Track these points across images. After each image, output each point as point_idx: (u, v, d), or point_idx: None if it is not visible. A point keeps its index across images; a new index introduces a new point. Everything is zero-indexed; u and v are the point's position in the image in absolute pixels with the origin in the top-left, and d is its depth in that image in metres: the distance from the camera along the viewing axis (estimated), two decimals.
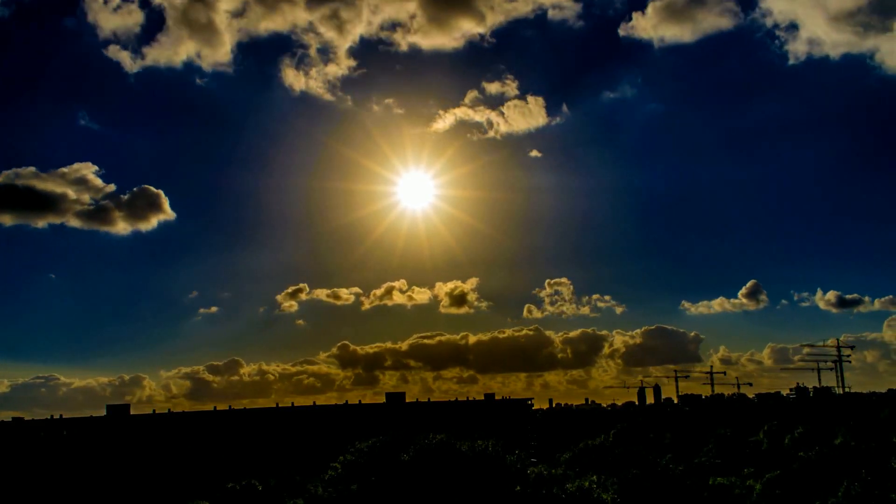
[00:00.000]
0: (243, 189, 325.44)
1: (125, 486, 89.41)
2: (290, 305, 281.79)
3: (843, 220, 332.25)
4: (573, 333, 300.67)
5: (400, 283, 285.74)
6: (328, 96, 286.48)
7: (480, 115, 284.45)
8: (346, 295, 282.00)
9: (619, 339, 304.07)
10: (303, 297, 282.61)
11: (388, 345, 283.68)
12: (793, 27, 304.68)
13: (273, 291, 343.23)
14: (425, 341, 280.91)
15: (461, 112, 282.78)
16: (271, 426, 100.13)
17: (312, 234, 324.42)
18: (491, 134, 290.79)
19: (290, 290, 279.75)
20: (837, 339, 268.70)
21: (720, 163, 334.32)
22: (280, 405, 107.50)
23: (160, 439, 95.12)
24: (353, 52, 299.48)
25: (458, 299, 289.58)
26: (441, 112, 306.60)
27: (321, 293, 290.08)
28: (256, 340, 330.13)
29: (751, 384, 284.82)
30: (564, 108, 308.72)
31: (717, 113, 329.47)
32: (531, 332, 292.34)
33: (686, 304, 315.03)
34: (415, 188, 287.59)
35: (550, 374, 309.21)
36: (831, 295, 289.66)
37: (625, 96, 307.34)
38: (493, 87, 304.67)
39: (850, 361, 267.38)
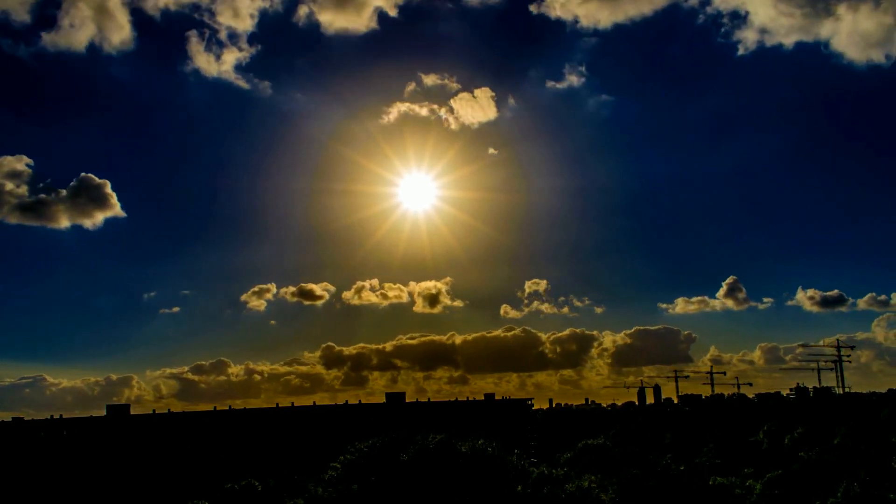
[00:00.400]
0: (191, 185, 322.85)
1: (125, 486, 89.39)
2: (259, 304, 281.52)
3: (817, 216, 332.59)
4: (562, 333, 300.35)
5: (372, 283, 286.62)
6: (244, 84, 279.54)
7: (426, 109, 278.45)
8: (320, 292, 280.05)
9: (608, 339, 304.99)
10: (269, 296, 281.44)
11: (372, 345, 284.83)
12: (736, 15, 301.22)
13: (238, 291, 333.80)
14: (409, 341, 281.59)
15: (406, 107, 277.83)
16: (271, 426, 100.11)
17: (260, 231, 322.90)
18: (447, 127, 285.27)
19: (255, 289, 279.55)
20: (837, 340, 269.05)
21: (680, 157, 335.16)
22: (280, 405, 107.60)
23: (160, 439, 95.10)
24: (255, 36, 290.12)
25: (432, 299, 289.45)
26: (385, 106, 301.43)
27: (286, 292, 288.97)
28: (233, 340, 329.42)
29: (751, 384, 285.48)
30: (511, 100, 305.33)
31: (669, 104, 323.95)
32: (519, 333, 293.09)
33: (664, 304, 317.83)
34: (413, 185, 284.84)
35: (541, 375, 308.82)
36: (814, 293, 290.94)
37: (572, 86, 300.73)
38: (430, 80, 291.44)
39: (850, 361, 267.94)
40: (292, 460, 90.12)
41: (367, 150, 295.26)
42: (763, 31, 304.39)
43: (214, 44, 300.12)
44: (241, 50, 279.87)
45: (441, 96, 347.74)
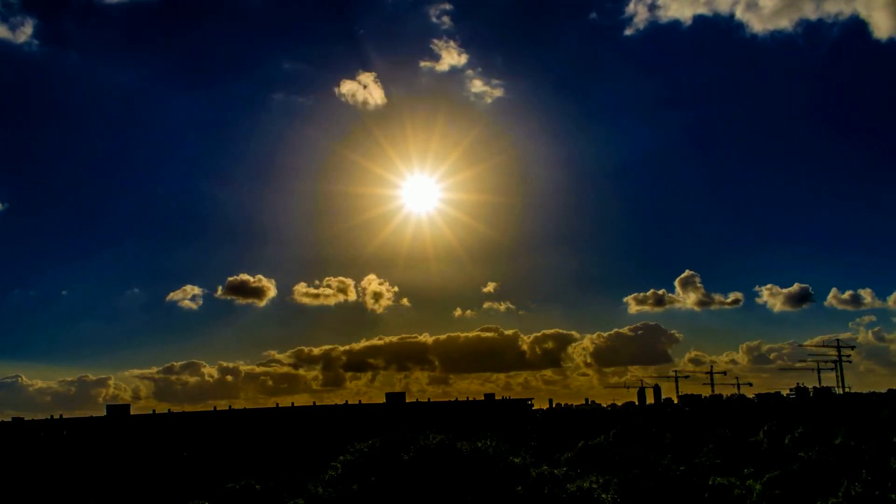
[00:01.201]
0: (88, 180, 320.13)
1: (125, 486, 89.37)
2: (191, 304, 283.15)
3: (771, 210, 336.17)
4: (539, 334, 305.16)
5: (327, 280, 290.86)
6: None
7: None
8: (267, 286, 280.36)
9: (587, 340, 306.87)
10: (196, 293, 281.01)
11: (342, 346, 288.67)
12: None
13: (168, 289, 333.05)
14: (376, 342, 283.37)
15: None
16: (271, 426, 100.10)
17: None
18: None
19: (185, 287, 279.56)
20: (837, 340, 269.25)
21: (606, 147, 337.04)
22: (280, 405, 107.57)
23: (160, 439, 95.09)
24: None
25: (375, 298, 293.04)
26: None
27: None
28: (204, 339, 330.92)
29: (751, 384, 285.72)
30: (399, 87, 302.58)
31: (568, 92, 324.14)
32: (493, 334, 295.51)
33: (628, 302, 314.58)
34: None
35: (522, 375, 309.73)
36: (778, 290, 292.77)
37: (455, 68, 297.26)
38: None
39: (850, 361, 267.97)
40: (292, 460, 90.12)
41: None
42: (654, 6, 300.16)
43: None
44: None
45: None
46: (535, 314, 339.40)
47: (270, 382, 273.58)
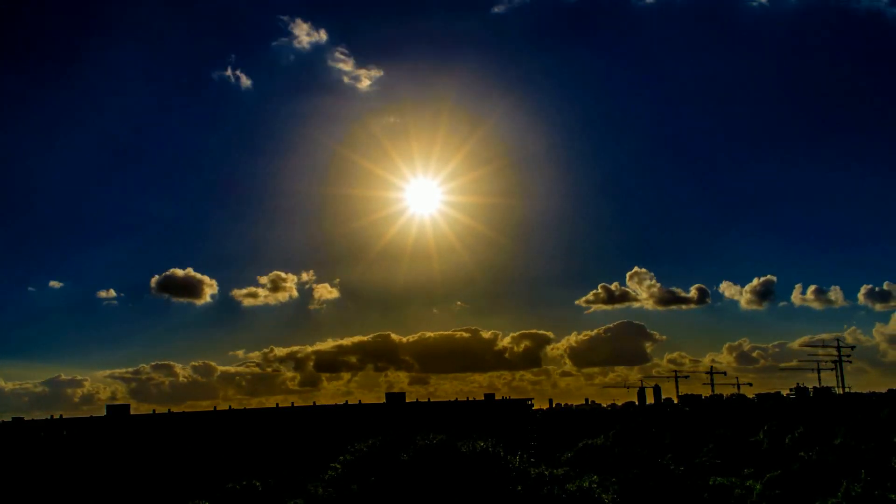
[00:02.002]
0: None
1: (125, 486, 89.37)
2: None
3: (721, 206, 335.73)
4: (516, 334, 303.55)
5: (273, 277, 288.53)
6: None
7: None
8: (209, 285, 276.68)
9: (564, 340, 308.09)
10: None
11: (308, 347, 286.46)
12: None
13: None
14: (342, 342, 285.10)
15: None
16: (271, 426, 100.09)
17: None
18: None
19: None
20: (838, 340, 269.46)
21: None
22: (280, 405, 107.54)
23: (160, 439, 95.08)
24: None
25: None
26: None
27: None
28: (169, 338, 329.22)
29: (751, 384, 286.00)
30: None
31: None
32: (466, 333, 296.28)
33: (582, 303, 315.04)
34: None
35: (498, 374, 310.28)
36: (752, 286, 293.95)
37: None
38: None
39: (850, 361, 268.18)
40: (292, 460, 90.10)
41: None
42: None
43: None
44: None
45: None
46: (511, 315, 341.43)
47: (244, 383, 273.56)
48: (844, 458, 62.80)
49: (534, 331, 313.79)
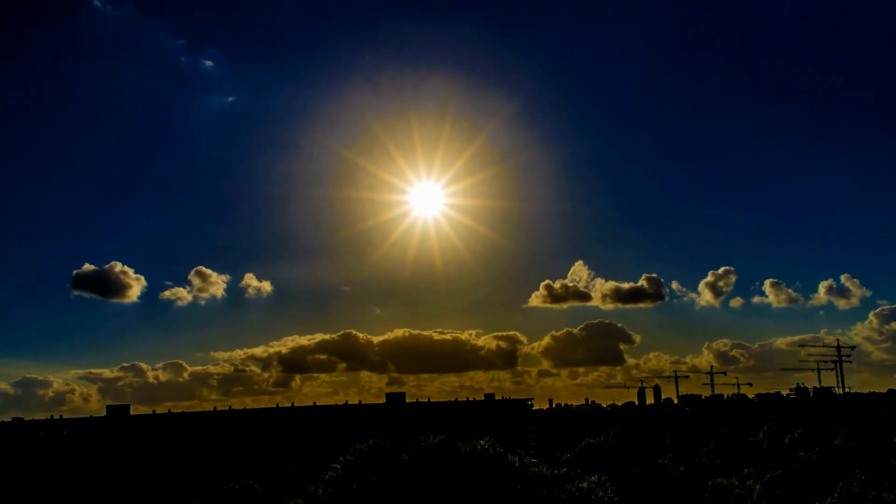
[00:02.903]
0: None
1: (125, 486, 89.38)
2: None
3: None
4: (491, 335, 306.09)
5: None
6: None
7: None
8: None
9: (538, 341, 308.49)
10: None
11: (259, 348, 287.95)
12: None
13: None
14: (303, 342, 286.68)
15: None
16: (271, 426, 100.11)
17: None
18: None
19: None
20: (838, 340, 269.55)
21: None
22: (280, 405, 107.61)
23: (160, 439, 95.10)
24: None
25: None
26: None
27: None
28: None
29: (751, 384, 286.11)
30: None
31: None
32: (447, 336, 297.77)
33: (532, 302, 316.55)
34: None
35: (472, 375, 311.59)
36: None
37: None
38: None
39: (850, 361, 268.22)
40: (292, 460, 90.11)
41: None
42: None
43: None
44: None
45: None
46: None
47: (215, 383, 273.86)
48: (844, 458, 62.79)
49: (511, 332, 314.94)
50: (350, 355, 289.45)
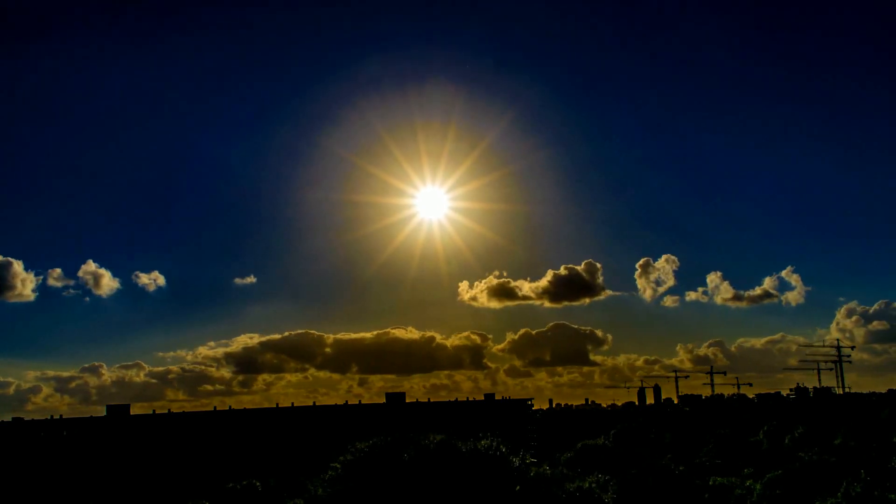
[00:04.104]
0: None
1: (125, 486, 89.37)
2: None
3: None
4: (460, 335, 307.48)
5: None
6: None
7: None
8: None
9: (504, 340, 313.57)
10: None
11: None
12: None
13: None
14: (250, 341, 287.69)
15: None
16: (271, 426, 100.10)
17: None
18: None
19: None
20: (837, 340, 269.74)
21: None
22: (280, 405, 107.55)
23: (160, 439, 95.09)
24: None
25: None
26: None
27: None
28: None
29: (751, 384, 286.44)
30: None
31: None
32: (415, 336, 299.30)
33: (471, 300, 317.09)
34: None
35: (442, 375, 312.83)
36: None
37: None
38: None
39: (850, 361, 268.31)
40: (292, 460, 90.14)
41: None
42: None
43: None
44: None
45: None
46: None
47: (176, 384, 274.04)
48: (844, 459, 62.79)
49: (470, 333, 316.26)
50: (306, 355, 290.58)
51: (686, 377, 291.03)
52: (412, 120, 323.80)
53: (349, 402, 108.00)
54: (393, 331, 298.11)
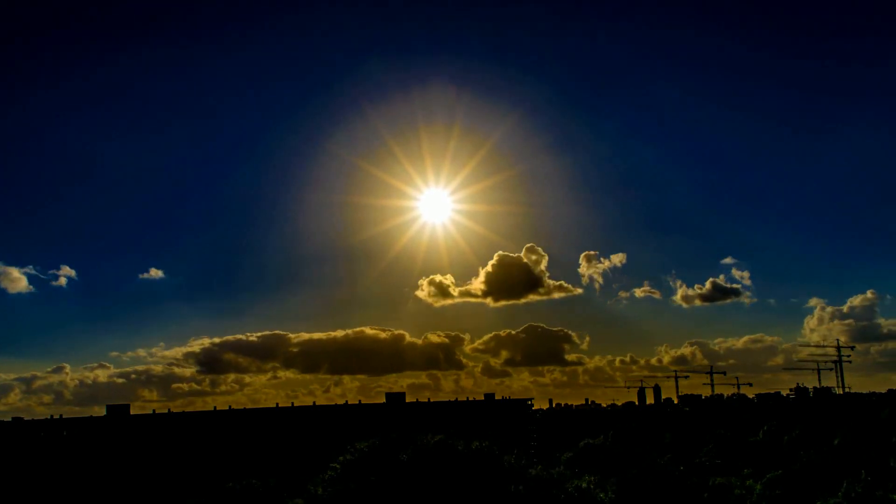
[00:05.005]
0: None
1: (125, 486, 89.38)
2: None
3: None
4: (433, 334, 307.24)
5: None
6: None
7: None
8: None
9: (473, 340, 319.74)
10: None
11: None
12: None
13: None
14: (210, 340, 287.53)
15: None
16: (271, 426, 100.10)
17: None
18: None
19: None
20: (837, 340, 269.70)
21: None
22: (280, 405, 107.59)
23: (160, 439, 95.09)
24: None
25: None
26: None
27: None
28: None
29: (751, 384, 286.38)
30: None
31: None
32: (354, 332, 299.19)
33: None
34: None
35: (401, 376, 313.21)
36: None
37: None
38: None
39: (850, 361, 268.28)
40: (292, 460, 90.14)
41: None
42: None
43: None
44: None
45: None
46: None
47: (140, 385, 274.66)
48: (844, 459, 62.85)
49: (442, 334, 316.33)
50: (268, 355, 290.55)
51: (686, 377, 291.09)
52: (415, 122, 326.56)
53: (349, 402, 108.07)
54: (369, 330, 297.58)
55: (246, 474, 65.68)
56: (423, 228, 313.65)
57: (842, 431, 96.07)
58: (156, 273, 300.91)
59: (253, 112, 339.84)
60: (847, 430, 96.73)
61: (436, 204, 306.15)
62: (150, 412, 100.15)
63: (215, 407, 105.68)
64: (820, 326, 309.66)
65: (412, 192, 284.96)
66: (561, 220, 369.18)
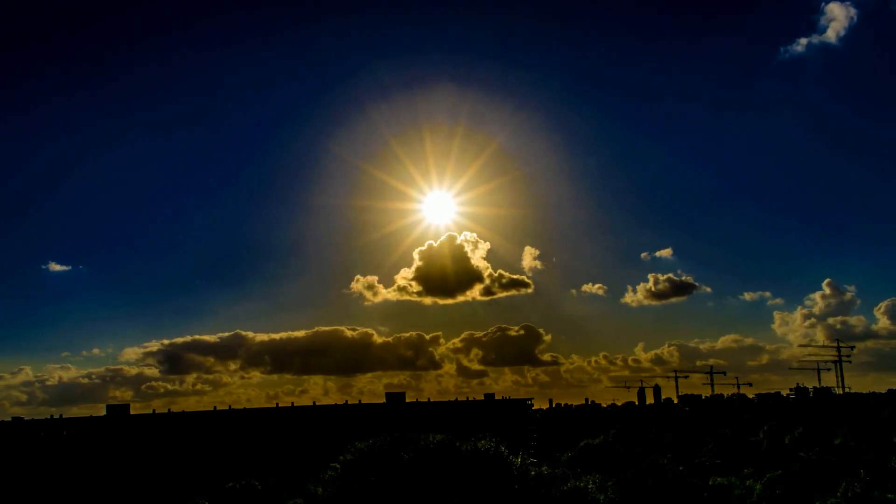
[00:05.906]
0: None
1: (125, 486, 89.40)
2: None
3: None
4: (406, 334, 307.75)
5: None
6: None
7: None
8: None
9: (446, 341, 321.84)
10: None
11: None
12: None
13: None
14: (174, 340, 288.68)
15: None
16: (271, 426, 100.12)
17: None
18: None
19: None
20: (838, 340, 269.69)
21: None
22: (280, 405, 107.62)
23: (160, 439, 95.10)
24: None
25: None
26: None
27: None
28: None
29: (751, 384, 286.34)
30: None
31: None
32: (324, 331, 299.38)
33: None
34: None
35: (366, 377, 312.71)
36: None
37: None
38: None
39: (850, 361, 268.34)
40: (292, 460, 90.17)
41: None
42: None
43: None
44: None
45: None
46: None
47: (112, 386, 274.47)
48: (844, 459, 62.84)
49: (414, 334, 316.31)
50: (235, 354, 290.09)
51: (686, 377, 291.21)
52: (418, 124, 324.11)
53: (349, 402, 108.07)
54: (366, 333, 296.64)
55: (246, 474, 65.67)
56: (426, 231, 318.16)
57: (842, 431, 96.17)
58: (155, 273, 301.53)
59: (255, 114, 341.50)
60: (847, 430, 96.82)
61: (440, 206, 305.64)
62: (151, 412, 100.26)
63: (215, 407, 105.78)
64: (802, 325, 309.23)
65: (415, 195, 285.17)
66: (569, 223, 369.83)
